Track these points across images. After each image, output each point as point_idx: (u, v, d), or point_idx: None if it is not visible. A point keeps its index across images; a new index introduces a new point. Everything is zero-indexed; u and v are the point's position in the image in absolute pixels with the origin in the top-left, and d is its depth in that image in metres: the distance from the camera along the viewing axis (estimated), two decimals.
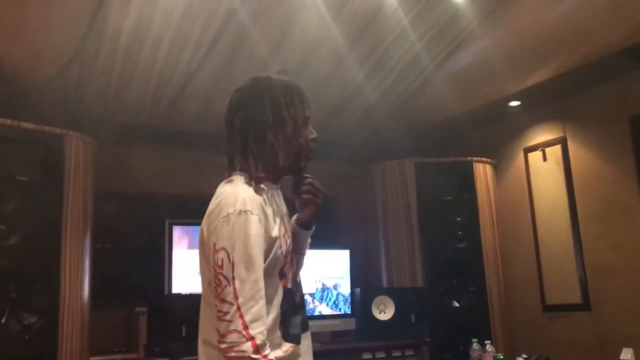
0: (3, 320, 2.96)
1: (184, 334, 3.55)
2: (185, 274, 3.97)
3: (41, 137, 3.25)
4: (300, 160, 1.63)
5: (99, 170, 3.59)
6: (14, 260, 3.01)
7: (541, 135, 4.53)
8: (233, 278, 1.36)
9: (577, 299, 4.15)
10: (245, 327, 1.33)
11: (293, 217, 1.74)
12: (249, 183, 1.51)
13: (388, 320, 4.12)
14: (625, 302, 3.86)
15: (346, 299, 4.34)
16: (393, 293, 4.21)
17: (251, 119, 1.55)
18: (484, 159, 4.60)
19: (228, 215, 1.41)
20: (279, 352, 1.46)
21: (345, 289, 4.35)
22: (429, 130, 4.80)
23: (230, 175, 1.58)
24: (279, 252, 1.51)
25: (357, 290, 4.32)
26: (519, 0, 3.06)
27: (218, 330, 1.36)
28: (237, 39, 3.22)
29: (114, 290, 3.94)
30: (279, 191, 1.64)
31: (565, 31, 3.34)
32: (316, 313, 4.18)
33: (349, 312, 4.33)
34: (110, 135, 3.99)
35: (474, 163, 4.55)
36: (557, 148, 4.38)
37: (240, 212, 1.41)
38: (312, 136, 1.65)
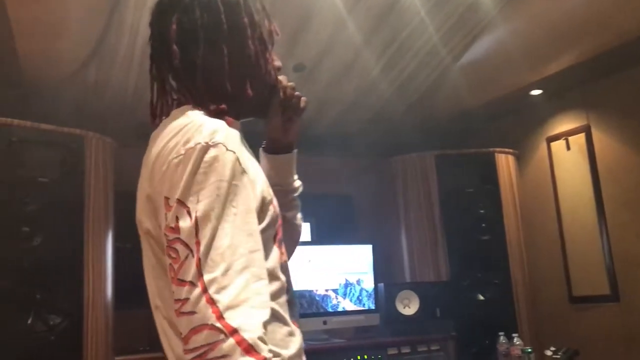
0: (29, 322, 2.98)
1: None
2: None
3: (61, 139, 3.26)
4: (263, 93, 1.15)
5: (118, 171, 3.60)
6: (38, 261, 3.02)
7: (564, 124, 4.45)
8: (197, 243, 0.86)
9: (605, 290, 4.07)
10: (219, 317, 0.81)
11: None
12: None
13: (413, 315, 4.09)
14: None
15: (370, 294, 4.31)
16: (417, 287, 4.17)
17: (195, 22, 1.06)
18: (506, 150, 4.54)
19: (186, 151, 0.91)
20: (291, 351, 1.00)
21: (369, 284, 4.32)
22: (448, 122, 4.75)
23: (165, 115, 1.09)
24: (272, 209, 1.04)
25: (381, 285, 4.29)
26: None
27: (180, 336, 0.86)
28: None
29: (137, 289, 3.94)
30: None
31: (586, 17, 3.27)
32: (340, 309, 4.15)
33: (373, 308, 4.30)
34: (129, 134, 4.00)
35: (496, 154, 4.48)
36: (581, 136, 4.29)
37: (207, 146, 0.90)
38: (277, 63, 1.17)
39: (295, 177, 1.34)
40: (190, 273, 0.85)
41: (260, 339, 0.83)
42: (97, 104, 3.80)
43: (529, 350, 3.45)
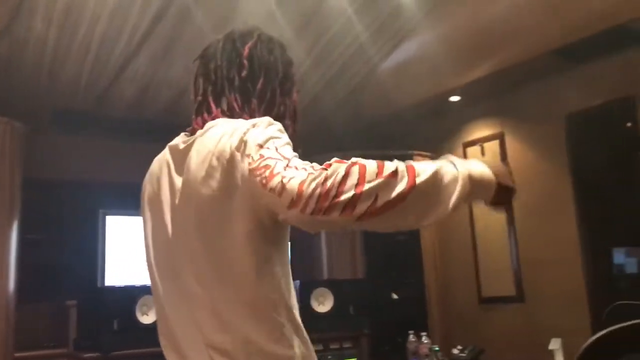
0: None
1: (115, 327, 3.43)
2: (120, 266, 3.84)
3: None
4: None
5: (30, 158, 3.42)
6: None
7: (480, 130, 4.61)
8: (278, 152, 1.02)
9: (511, 291, 4.25)
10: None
11: None
12: None
13: (327, 312, 4.10)
14: (557, 293, 3.97)
15: None
16: (332, 285, 4.19)
17: (266, 60, 1.28)
18: (423, 153, 4.64)
19: (254, 124, 1.08)
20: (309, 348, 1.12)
21: None
22: (375, 123, 4.81)
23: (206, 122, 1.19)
24: None
25: (297, 282, 4.27)
26: None
27: (284, 206, 0.96)
28: (178, 23, 3.11)
29: (44, 283, 3.76)
30: None
31: (503, 29, 3.40)
32: None
33: None
34: (42, 120, 3.80)
35: (414, 157, 4.58)
36: (495, 143, 4.46)
37: (270, 123, 1.09)
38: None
39: None
40: (279, 164, 0.99)
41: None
42: (8, 86, 3.59)
43: (437, 348, 3.54)
